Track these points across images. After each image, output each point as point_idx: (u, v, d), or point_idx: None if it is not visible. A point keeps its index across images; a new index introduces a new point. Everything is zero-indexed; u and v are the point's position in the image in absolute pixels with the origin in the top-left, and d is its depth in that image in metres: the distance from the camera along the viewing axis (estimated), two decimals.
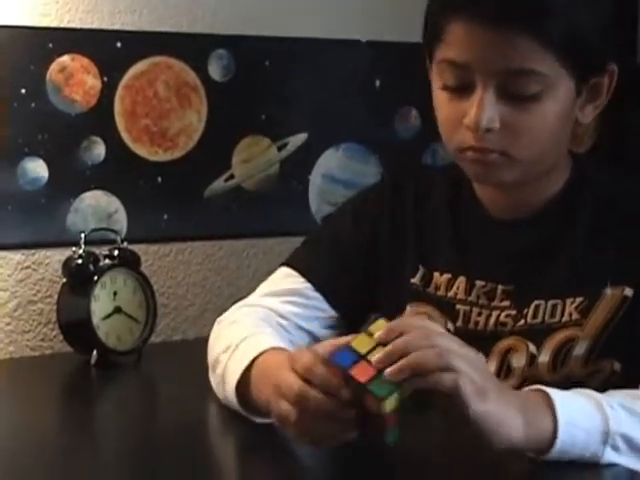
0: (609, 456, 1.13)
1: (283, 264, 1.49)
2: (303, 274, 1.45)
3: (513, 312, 1.33)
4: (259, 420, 1.30)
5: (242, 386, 1.30)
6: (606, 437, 1.12)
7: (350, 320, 1.45)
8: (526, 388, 1.18)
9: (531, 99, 1.24)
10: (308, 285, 1.45)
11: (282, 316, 1.43)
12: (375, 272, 1.44)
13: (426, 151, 2.16)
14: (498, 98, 1.24)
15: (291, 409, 1.13)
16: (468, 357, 1.09)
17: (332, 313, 1.45)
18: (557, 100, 1.26)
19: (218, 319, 1.48)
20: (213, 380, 1.41)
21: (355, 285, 1.43)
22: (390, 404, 1.07)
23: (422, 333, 1.10)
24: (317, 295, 1.44)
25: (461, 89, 1.26)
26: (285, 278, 1.47)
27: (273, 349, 1.29)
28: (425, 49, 1.32)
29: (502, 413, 1.09)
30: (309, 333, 1.43)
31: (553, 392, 1.14)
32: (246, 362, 1.29)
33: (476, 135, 1.25)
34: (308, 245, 1.52)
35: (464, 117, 1.26)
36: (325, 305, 1.44)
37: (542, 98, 1.24)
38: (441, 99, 1.30)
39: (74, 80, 1.86)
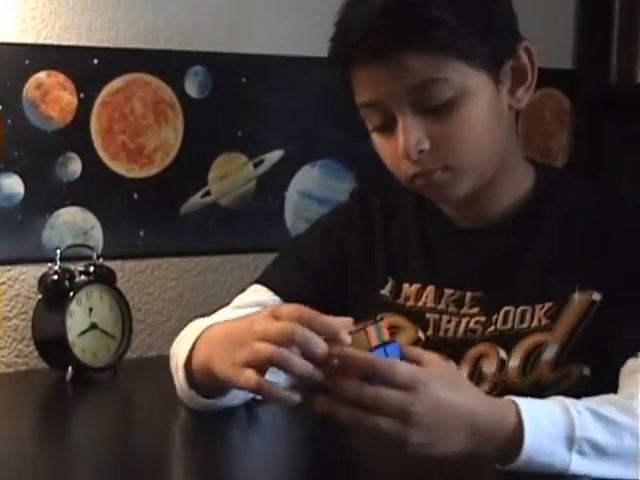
0: (576, 464, 1.13)
1: (256, 281, 1.52)
2: (271, 288, 1.48)
3: (482, 318, 1.35)
4: (208, 402, 1.33)
5: (188, 364, 1.32)
6: (571, 442, 1.13)
7: None
8: (497, 399, 1.18)
9: (449, 106, 1.27)
10: (276, 297, 1.47)
11: None
12: (344, 289, 1.47)
13: None
14: (418, 118, 1.27)
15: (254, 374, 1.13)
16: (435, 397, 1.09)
17: None
18: (476, 98, 1.28)
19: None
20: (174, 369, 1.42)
21: (324, 301, 1.44)
22: None
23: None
24: None
25: (387, 126, 1.31)
26: (254, 292, 1.50)
27: (217, 323, 1.32)
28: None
29: (440, 446, 1.10)
30: None
31: (522, 401, 1.14)
32: (195, 336, 1.31)
33: (413, 161, 1.29)
34: (278, 263, 1.55)
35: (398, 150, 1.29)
36: None
37: (459, 102, 1.27)
38: (376, 140, 1.35)
39: (50, 97, 1.86)
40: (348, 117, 2.12)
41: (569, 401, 1.17)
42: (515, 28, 1.33)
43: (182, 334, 1.44)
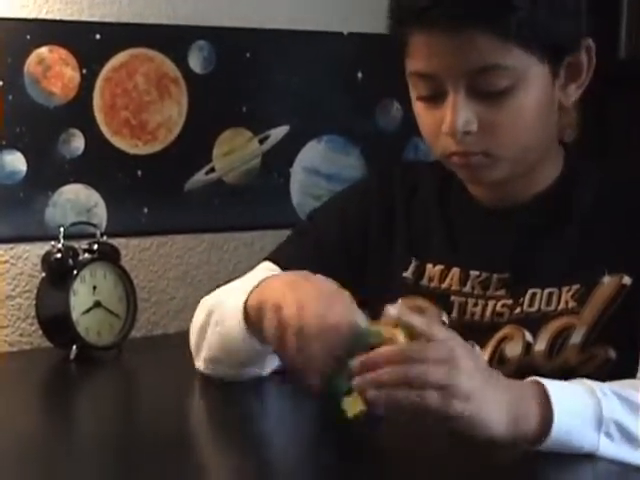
0: (605, 446, 1.13)
1: (265, 258, 1.49)
2: (283, 267, 1.44)
3: (509, 301, 1.33)
4: (262, 347, 1.31)
5: (245, 308, 1.31)
6: (600, 423, 1.12)
7: None
8: (520, 380, 1.17)
9: (504, 94, 1.25)
10: None
11: None
12: (362, 271, 1.44)
13: (408, 143, 2.15)
14: (471, 100, 1.25)
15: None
16: (464, 364, 1.09)
17: None
18: (532, 89, 1.26)
19: (201, 301, 1.47)
20: (203, 341, 1.41)
21: (339, 283, 1.42)
22: None
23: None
24: None
25: (435, 97, 1.28)
26: (264, 270, 1.46)
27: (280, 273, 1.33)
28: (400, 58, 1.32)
29: (483, 413, 1.09)
30: None
31: (547, 382, 1.14)
32: (253, 284, 1.30)
33: (456, 140, 1.27)
34: (291, 241, 1.52)
35: (442, 124, 1.26)
36: None
37: (515, 91, 1.25)
38: (419, 109, 1.32)
39: (52, 72, 1.84)
40: (354, 92, 2.13)
41: (593, 383, 1.16)
42: (582, 24, 1.31)
43: (210, 301, 1.43)
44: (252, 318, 1.29)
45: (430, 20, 1.23)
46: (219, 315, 1.37)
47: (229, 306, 1.34)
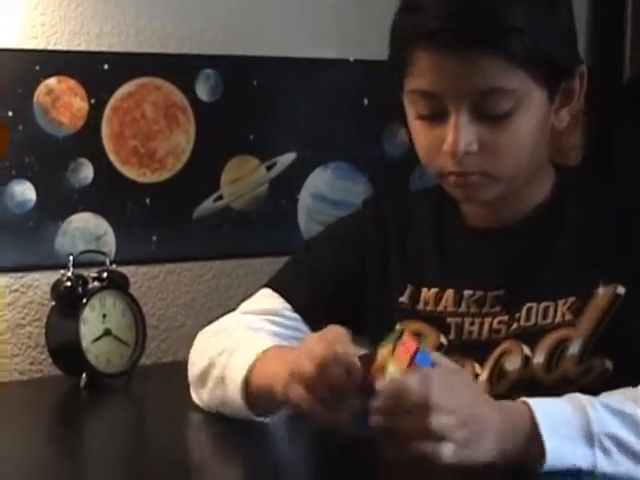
0: (602, 461, 1.13)
1: (264, 285, 1.51)
2: (282, 294, 1.47)
3: (505, 317, 1.34)
4: (260, 419, 1.32)
5: (246, 383, 1.32)
6: (591, 440, 1.13)
7: None
8: (509, 402, 1.18)
9: (505, 116, 1.27)
10: (287, 305, 1.46)
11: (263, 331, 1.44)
12: (360, 298, 1.45)
13: (415, 169, 2.16)
14: (473, 120, 1.27)
15: (304, 393, 1.16)
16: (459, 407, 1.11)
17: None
18: (531, 112, 1.28)
19: (200, 332, 1.49)
20: (203, 388, 1.41)
21: (335, 310, 1.43)
22: None
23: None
24: (295, 316, 1.46)
25: (435, 116, 1.29)
26: (264, 298, 1.49)
27: (279, 345, 1.33)
28: (395, 78, 1.33)
29: (475, 452, 1.11)
30: None
31: (535, 405, 1.15)
32: (254, 356, 1.31)
33: (456, 160, 1.28)
34: (288, 268, 1.54)
35: (442, 143, 1.28)
36: (303, 326, 1.46)
37: (516, 113, 1.27)
38: (418, 128, 1.32)
39: (61, 102, 1.86)
40: (360, 119, 2.14)
41: (584, 398, 1.17)
42: (578, 51, 1.35)
43: (213, 339, 1.44)
44: (254, 399, 1.32)
45: (438, 42, 1.25)
46: (220, 376, 1.38)
47: (229, 376, 1.35)
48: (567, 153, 2.40)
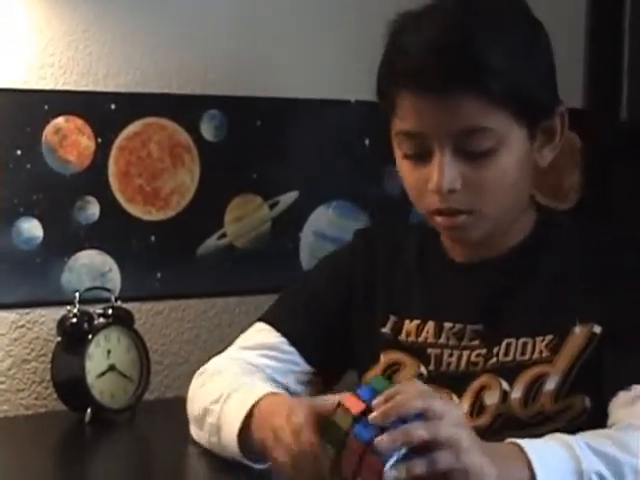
0: None
1: (259, 319, 1.53)
2: (278, 328, 1.49)
3: (483, 351, 1.36)
4: (258, 466, 1.32)
5: (241, 432, 1.32)
6: (581, 477, 1.13)
7: (325, 376, 1.49)
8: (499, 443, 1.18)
9: (487, 154, 1.30)
10: (283, 339, 1.49)
11: (258, 369, 1.46)
12: (349, 327, 1.48)
13: (413, 208, 2.17)
14: (456, 158, 1.30)
15: (286, 459, 1.16)
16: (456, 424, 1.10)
17: (307, 368, 1.48)
18: (512, 151, 1.31)
19: (197, 372, 1.51)
20: (200, 431, 1.43)
21: (330, 341, 1.47)
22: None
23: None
24: (292, 349, 1.48)
25: (421, 156, 1.33)
26: (259, 332, 1.51)
27: (272, 394, 1.33)
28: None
29: (479, 467, 1.10)
30: (285, 388, 1.46)
31: (526, 444, 1.15)
32: (247, 407, 1.32)
33: (441, 197, 1.31)
34: (283, 301, 1.56)
35: (428, 182, 1.31)
36: (299, 359, 1.48)
37: (498, 152, 1.30)
38: (405, 167, 1.36)
39: (69, 141, 1.88)
40: (362, 158, 2.16)
41: (569, 437, 1.17)
42: (556, 92, 1.38)
43: (209, 382, 1.45)
44: (249, 449, 1.33)
45: (420, 83, 1.29)
46: (215, 424, 1.39)
47: (224, 427, 1.36)
48: (567, 193, 2.41)
